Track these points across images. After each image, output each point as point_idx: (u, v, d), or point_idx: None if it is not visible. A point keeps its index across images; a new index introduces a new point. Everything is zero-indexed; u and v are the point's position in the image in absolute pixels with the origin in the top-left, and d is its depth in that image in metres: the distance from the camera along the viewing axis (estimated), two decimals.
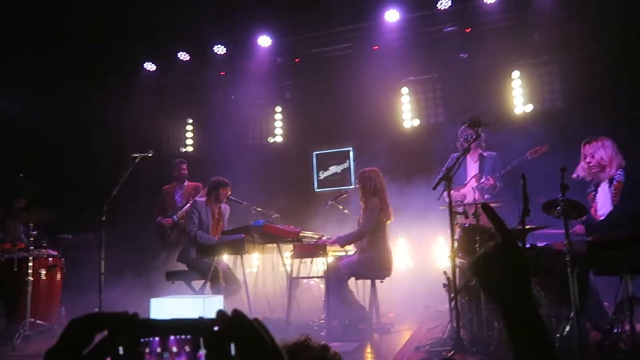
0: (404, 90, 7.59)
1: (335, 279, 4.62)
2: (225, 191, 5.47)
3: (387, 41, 7.26)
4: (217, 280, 4.98)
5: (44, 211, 5.04)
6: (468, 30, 6.89)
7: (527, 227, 3.27)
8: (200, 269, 5.12)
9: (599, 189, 3.94)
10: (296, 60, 7.87)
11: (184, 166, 6.50)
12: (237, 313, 0.59)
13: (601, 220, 3.82)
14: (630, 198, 3.68)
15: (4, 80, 7.28)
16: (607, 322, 3.29)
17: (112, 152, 8.19)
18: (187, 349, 0.59)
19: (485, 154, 5.29)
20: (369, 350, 3.91)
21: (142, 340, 0.60)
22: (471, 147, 5.11)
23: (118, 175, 4.94)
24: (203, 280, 5.00)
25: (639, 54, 5.77)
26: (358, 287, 5.13)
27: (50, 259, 5.22)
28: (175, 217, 6.22)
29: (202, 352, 0.59)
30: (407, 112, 7.58)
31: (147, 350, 0.60)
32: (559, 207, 3.13)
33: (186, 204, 6.25)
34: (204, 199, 5.52)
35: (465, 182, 5.25)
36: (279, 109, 8.33)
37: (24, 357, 3.93)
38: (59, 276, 5.37)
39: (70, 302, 5.79)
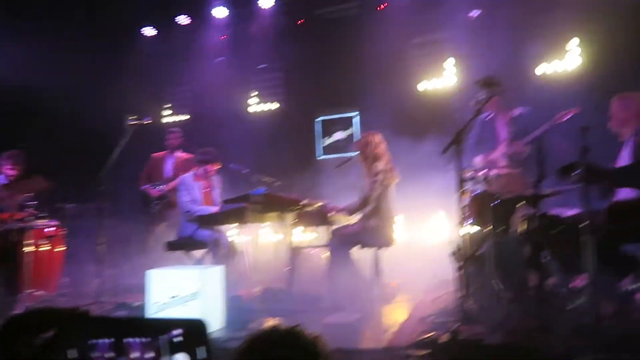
0: (413, 52, 7.25)
1: (338, 247, 4.48)
2: (212, 167, 5.29)
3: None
4: (216, 250, 4.86)
5: (41, 180, 4.91)
6: None
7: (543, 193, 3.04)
8: (200, 240, 5.00)
9: (622, 148, 3.53)
10: (299, 22, 7.54)
11: (175, 135, 6.26)
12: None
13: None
14: None
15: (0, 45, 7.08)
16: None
17: (112, 119, 8.04)
18: (149, 355, 0.46)
19: (515, 113, 4.69)
20: (372, 321, 3.79)
21: (90, 342, 0.47)
22: (491, 109, 4.74)
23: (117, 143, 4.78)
24: (203, 250, 4.89)
25: None
26: (360, 257, 4.98)
27: (50, 229, 5.13)
28: (163, 187, 6.02)
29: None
30: (416, 74, 7.26)
31: (97, 354, 0.47)
32: (578, 171, 2.85)
33: (175, 178, 6.06)
34: (191, 174, 5.33)
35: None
36: (280, 73, 8.05)
37: None
38: (60, 246, 5.30)
39: (74, 272, 5.74)
